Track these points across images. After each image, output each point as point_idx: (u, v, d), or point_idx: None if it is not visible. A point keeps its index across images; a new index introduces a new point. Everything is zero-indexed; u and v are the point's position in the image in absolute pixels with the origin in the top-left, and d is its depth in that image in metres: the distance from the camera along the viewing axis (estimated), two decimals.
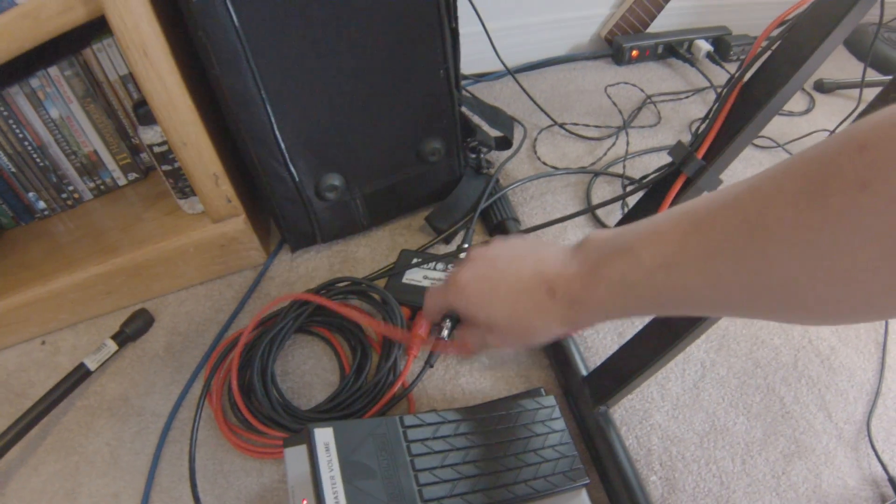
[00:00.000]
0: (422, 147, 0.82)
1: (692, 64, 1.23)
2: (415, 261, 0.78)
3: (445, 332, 0.72)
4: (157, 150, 0.78)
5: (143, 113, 0.76)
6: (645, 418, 0.66)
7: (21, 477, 0.70)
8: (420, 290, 0.75)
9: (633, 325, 0.74)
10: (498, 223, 0.86)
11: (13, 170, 0.89)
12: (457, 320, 0.73)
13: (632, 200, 0.88)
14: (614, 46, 1.25)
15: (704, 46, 1.23)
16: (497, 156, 1.00)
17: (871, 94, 1.11)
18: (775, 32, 0.58)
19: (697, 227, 0.40)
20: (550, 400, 0.64)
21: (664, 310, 0.45)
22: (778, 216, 0.35)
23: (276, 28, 0.67)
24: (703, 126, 0.61)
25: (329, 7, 0.68)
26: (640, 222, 0.46)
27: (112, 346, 0.79)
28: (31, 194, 0.92)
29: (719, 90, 1.10)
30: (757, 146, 1.00)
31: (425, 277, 0.76)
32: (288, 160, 0.76)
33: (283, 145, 0.74)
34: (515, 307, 0.52)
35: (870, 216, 0.30)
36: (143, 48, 0.67)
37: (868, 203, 0.30)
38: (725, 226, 0.38)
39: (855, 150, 0.31)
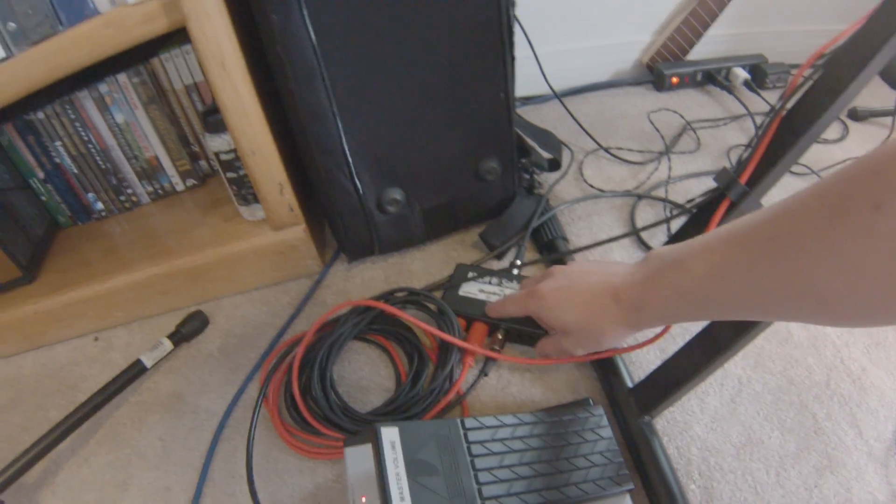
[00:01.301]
0: (479, 166, 0.85)
1: (730, 91, 1.26)
2: (470, 274, 0.81)
3: (499, 345, 0.75)
4: (223, 157, 0.81)
5: (214, 121, 0.78)
6: (685, 429, 0.68)
7: (72, 467, 0.72)
8: (475, 303, 0.76)
9: (674, 342, 0.76)
10: (548, 241, 0.88)
11: (75, 170, 0.92)
12: (507, 332, 0.76)
13: (675, 223, 0.90)
14: (655, 73, 1.28)
15: (742, 74, 1.25)
16: (546, 177, 1.03)
17: None
18: (815, 64, 0.61)
19: (739, 243, 0.46)
20: (599, 409, 0.66)
21: (712, 314, 0.52)
22: (804, 232, 0.39)
23: (351, 47, 0.70)
24: (746, 153, 0.64)
25: (401, 29, 0.71)
26: (692, 240, 0.52)
27: (168, 344, 0.81)
28: (90, 195, 0.95)
29: (758, 119, 1.14)
30: (793, 173, 1.02)
31: (481, 291, 0.78)
32: (354, 173, 0.78)
33: (350, 158, 0.77)
34: (586, 312, 0.61)
35: (883, 234, 0.34)
36: (222, 60, 0.69)
37: (881, 222, 0.34)
38: (761, 241, 0.43)
39: (870, 175, 0.35)
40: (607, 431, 0.64)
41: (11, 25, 0.67)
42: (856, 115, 1.17)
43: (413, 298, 0.79)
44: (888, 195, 0.34)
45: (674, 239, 0.71)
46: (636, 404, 0.66)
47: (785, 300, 0.43)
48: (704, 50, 1.30)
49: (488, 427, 0.62)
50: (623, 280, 0.58)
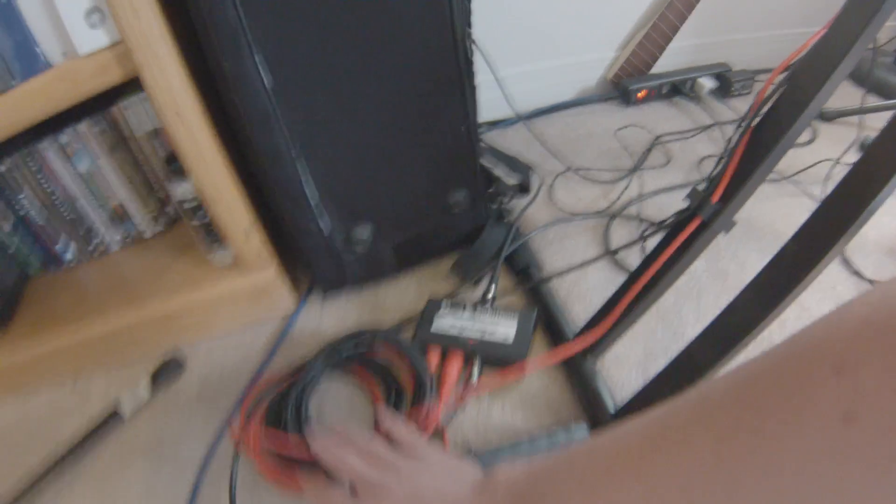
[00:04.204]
0: (447, 198, 0.85)
1: (696, 102, 1.27)
2: (442, 309, 0.80)
3: (475, 376, 0.75)
4: (187, 205, 0.80)
5: (175, 169, 0.77)
6: None
7: None
8: (448, 338, 0.77)
9: (656, 362, 0.76)
10: (521, 269, 0.88)
11: (41, 221, 0.91)
12: (484, 363, 0.76)
13: (650, 242, 0.90)
14: (620, 88, 1.29)
15: (707, 84, 1.26)
16: (517, 203, 1.03)
17: (871, 119, 1.13)
18: (780, 77, 0.61)
19: (638, 477, 0.35)
20: (582, 427, 0.66)
21: None
22: (746, 460, 0.29)
23: (306, 88, 0.70)
24: (717, 171, 0.64)
25: (355, 67, 0.70)
26: (560, 460, 0.42)
27: (145, 393, 0.80)
28: (58, 245, 0.94)
29: (727, 128, 1.14)
30: (765, 180, 1.03)
31: (452, 326, 0.78)
32: (316, 214, 0.78)
33: (311, 201, 0.76)
34: None
35: (856, 450, 0.26)
36: (177, 109, 0.69)
37: (854, 437, 0.26)
38: (677, 473, 0.33)
39: (830, 374, 0.27)
40: None
41: None
42: (824, 116, 1.18)
43: (382, 339, 0.79)
44: (860, 401, 0.25)
45: (646, 262, 0.70)
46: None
47: None
48: (669, 62, 1.31)
49: None
50: None
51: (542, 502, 0.41)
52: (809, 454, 0.27)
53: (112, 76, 0.68)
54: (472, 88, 0.78)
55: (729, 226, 0.64)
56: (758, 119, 0.62)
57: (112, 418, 0.77)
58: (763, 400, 0.29)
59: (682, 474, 0.32)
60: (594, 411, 0.70)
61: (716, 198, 0.63)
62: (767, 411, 0.29)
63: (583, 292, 0.86)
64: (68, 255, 0.95)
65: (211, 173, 0.74)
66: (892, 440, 0.25)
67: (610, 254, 0.80)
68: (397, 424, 0.63)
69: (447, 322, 0.78)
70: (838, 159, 1.03)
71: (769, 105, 0.61)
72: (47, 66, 0.68)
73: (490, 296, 0.84)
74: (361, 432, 0.62)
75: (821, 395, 0.27)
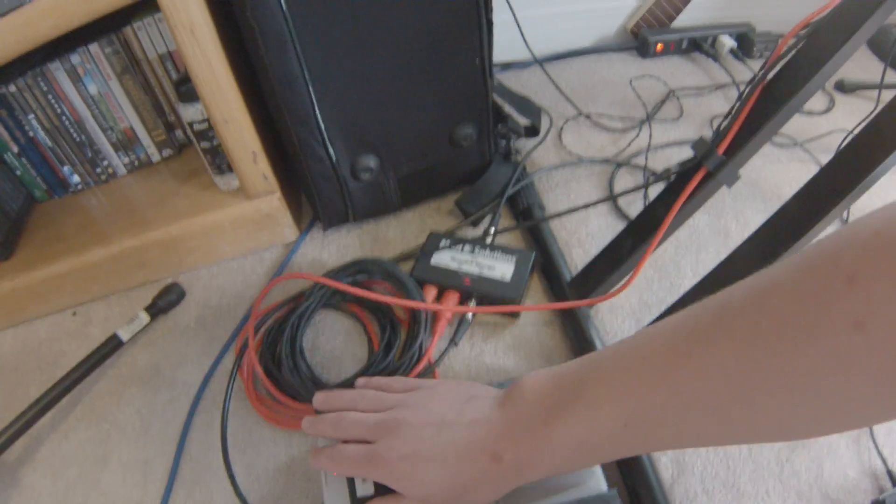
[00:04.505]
0: (455, 132, 0.84)
1: (715, 59, 1.24)
2: (443, 243, 0.80)
3: (470, 315, 0.75)
4: (196, 127, 0.80)
5: (186, 90, 0.77)
6: None
7: (51, 443, 0.72)
8: (446, 272, 0.77)
9: (650, 312, 0.76)
10: (524, 209, 0.88)
11: (49, 144, 0.91)
12: (479, 301, 0.76)
13: (653, 191, 0.89)
14: (640, 39, 1.26)
15: (728, 42, 1.23)
16: (524, 143, 1.02)
17: (889, 94, 1.11)
18: (799, 34, 0.60)
19: (664, 379, 0.37)
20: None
21: (628, 455, 0.43)
22: (763, 364, 0.32)
23: (322, 13, 0.69)
24: (725, 123, 0.63)
25: None
26: (585, 363, 0.43)
27: (145, 317, 0.81)
28: (65, 168, 0.94)
29: (742, 87, 1.12)
30: (776, 144, 1.02)
31: (453, 259, 0.78)
32: (327, 140, 0.77)
33: (322, 126, 0.76)
34: (456, 479, 0.47)
35: (866, 356, 0.28)
36: (191, 27, 0.68)
37: (863, 343, 0.28)
38: (700, 377, 0.35)
39: (843, 284, 0.28)
40: None
41: None
42: (843, 87, 1.16)
43: (379, 268, 0.79)
44: (869, 310, 0.27)
45: (648, 211, 0.70)
46: None
47: (735, 439, 0.37)
48: (691, 17, 1.28)
49: None
50: (501, 431, 0.46)
51: (572, 409, 0.42)
52: (822, 359, 0.29)
53: None
54: (490, 23, 0.77)
55: (733, 179, 0.64)
56: (773, 73, 0.61)
57: (111, 341, 0.78)
58: (781, 307, 0.31)
59: (705, 377, 0.35)
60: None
61: (721, 150, 0.62)
62: (785, 318, 0.31)
63: (582, 237, 0.87)
64: (75, 179, 0.96)
65: (222, 95, 0.73)
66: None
67: (612, 199, 0.79)
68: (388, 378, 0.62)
69: (446, 257, 0.79)
70: (852, 130, 1.02)
71: (785, 60, 0.60)
72: None
73: (491, 233, 0.84)
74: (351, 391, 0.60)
75: (834, 304, 0.28)
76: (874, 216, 0.29)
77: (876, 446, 0.64)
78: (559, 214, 0.82)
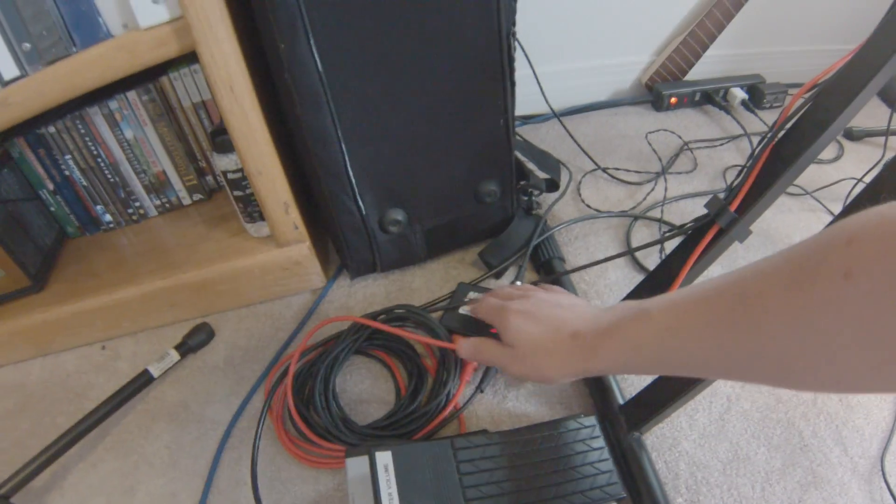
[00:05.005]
0: (479, 188, 0.87)
1: (727, 111, 1.28)
2: (471, 294, 0.83)
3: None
4: (230, 176, 0.83)
5: (222, 142, 0.80)
6: (674, 445, 0.70)
7: (79, 472, 0.74)
8: (475, 322, 0.78)
9: None
10: (545, 261, 0.90)
11: (84, 183, 0.94)
12: None
13: (669, 244, 0.92)
14: (654, 93, 1.30)
15: (739, 94, 1.27)
16: (545, 197, 1.05)
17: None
18: (806, 95, 0.63)
19: (704, 300, 0.46)
20: (591, 420, 0.68)
21: (666, 369, 0.52)
22: (771, 295, 0.39)
23: (356, 74, 0.72)
24: (737, 181, 0.66)
25: (404, 57, 0.73)
26: (663, 295, 0.52)
27: (175, 355, 0.83)
28: (98, 207, 0.97)
29: (755, 139, 1.15)
30: (788, 193, 1.04)
31: None
32: (357, 194, 0.80)
33: (353, 180, 0.79)
34: (540, 340, 0.61)
35: (851, 303, 0.34)
36: (230, 84, 0.71)
37: (850, 291, 0.34)
38: (727, 300, 0.43)
39: (843, 243, 0.35)
40: (599, 442, 0.66)
41: (26, 46, 0.69)
42: (851, 135, 1.18)
43: (412, 316, 0.81)
44: (859, 265, 0.33)
45: (660, 268, 0.73)
46: (626, 421, 0.68)
47: (745, 363, 0.42)
48: (703, 70, 1.32)
49: (477, 446, 0.65)
50: (586, 323, 0.58)
51: (633, 318, 0.52)
52: (817, 299, 0.36)
53: (169, 49, 0.70)
54: (513, 84, 0.80)
55: (744, 235, 0.66)
56: (781, 133, 0.64)
57: (142, 377, 0.79)
58: (795, 256, 0.39)
59: (726, 302, 0.43)
60: (603, 404, 0.72)
61: (734, 207, 0.65)
62: (795, 262, 0.38)
63: (601, 288, 0.89)
64: (107, 217, 0.99)
65: (257, 148, 0.76)
66: (878, 298, 0.32)
67: (630, 252, 0.81)
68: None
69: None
70: (861, 178, 1.04)
71: (793, 121, 0.62)
72: (108, 35, 0.71)
73: (517, 284, 0.86)
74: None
75: (832, 257, 0.35)
76: (882, 205, 0.35)
77: (888, 486, 0.65)
78: (580, 268, 0.84)
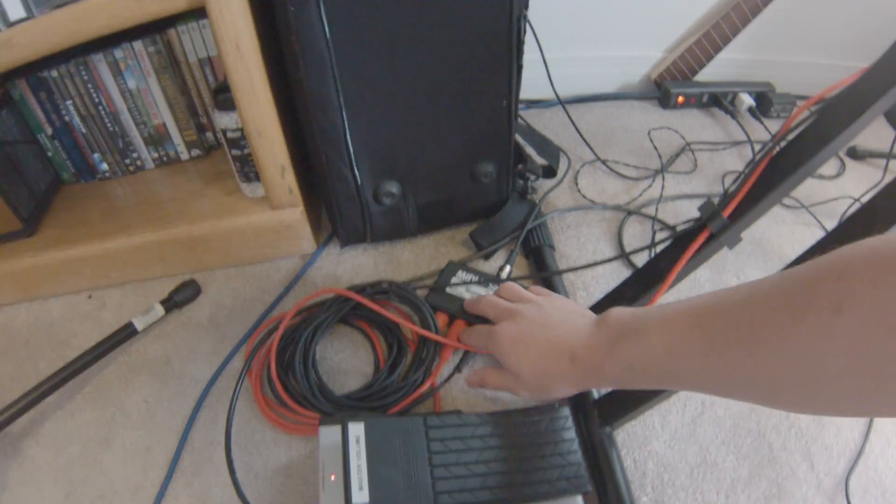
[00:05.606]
0: (476, 168, 0.87)
1: (733, 116, 1.27)
2: (459, 273, 0.83)
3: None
4: (230, 135, 0.83)
5: (224, 99, 0.79)
6: (644, 444, 0.71)
7: (57, 420, 0.74)
8: (459, 301, 0.79)
9: None
10: (535, 247, 0.91)
11: (83, 130, 0.94)
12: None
13: (660, 247, 0.91)
14: (662, 90, 1.30)
15: (747, 100, 1.26)
16: (542, 183, 1.05)
17: None
18: (811, 108, 0.63)
19: (699, 323, 0.47)
20: (565, 411, 0.69)
21: (664, 386, 0.54)
22: (764, 325, 0.40)
23: (363, 43, 0.72)
24: (733, 188, 0.66)
25: (412, 30, 0.72)
26: (655, 309, 0.54)
27: (160, 310, 0.83)
28: (95, 155, 0.97)
29: (758, 147, 1.15)
30: (783, 205, 1.04)
31: (467, 291, 0.81)
32: (354, 163, 0.80)
33: (351, 149, 0.79)
34: (541, 367, 0.62)
35: (840, 336, 0.35)
36: (237, 42, 0.71)
37: (840, 325, 0.35)
38: (722, 325, 0.44)
39: (835, 278, 0.36)
40: (570, 434, 0.67)
41: None
42: (854, 154, 1.18)
43: (398, 291, 0.82)
44: (848, 300, 0.35)
45: (648, 266, 0.73)
46: (599, 415, 0.69)
47: (739, 386, 0.44)
48: (713, 72, 1.31)
49: (449, 426, 0.66)
50: (582, 341, 0.60)
51: (632, 336, 0.53)
52: (807, 331, 0.37)
53: (178, 3, 0.70)
54: (519, 67, 0.80)
55: (735, 242, 0.67)
56: (782, 144, 0.64)
57: (126, 329, 0.80)
58: (789, 287, 0.40)
59: (722, 328, 0.44)
60: (578, 396, 0.72)
61: (727, 213, 0.65)
62: (790, 293, 0.39)
63: (588, 280, 0.89)
64: (103, 166, 0.98)
65: (258, 108, 0.76)
66: (867, 332, 0.34)
67: (624, 255, 0.83)
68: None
69: (461, 287, 0.81)
70: (858, 198, 1.04)
71: (795, 133, 0.62)
72: None
73: (506, 272, 0.87)
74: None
75: (823, 291, 0.36)
76: (873, 238, 0.36)
77: None
78: (572, 269, 0.85)
